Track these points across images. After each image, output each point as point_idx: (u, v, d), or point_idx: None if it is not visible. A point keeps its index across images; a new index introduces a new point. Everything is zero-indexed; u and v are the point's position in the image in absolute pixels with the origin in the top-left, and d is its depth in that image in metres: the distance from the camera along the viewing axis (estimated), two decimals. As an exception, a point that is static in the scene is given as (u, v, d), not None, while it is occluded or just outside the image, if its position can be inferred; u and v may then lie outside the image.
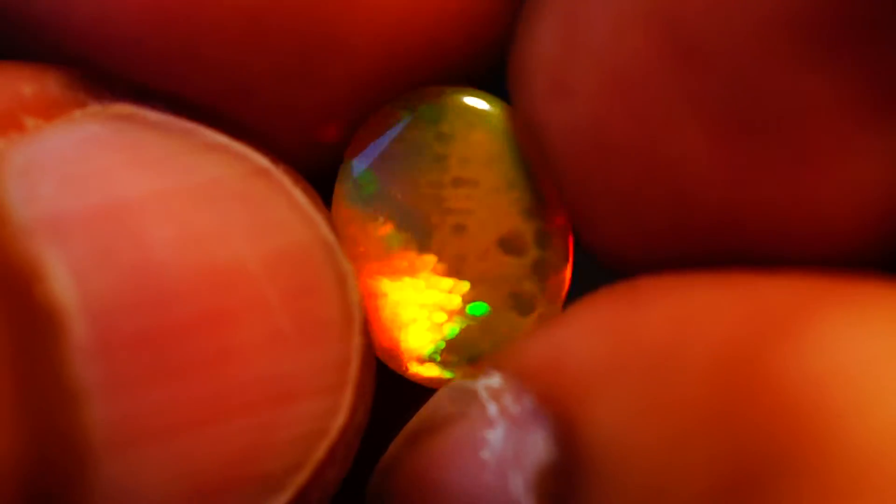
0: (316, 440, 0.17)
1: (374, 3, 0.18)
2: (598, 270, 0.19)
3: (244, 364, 0.16)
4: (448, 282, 0.18)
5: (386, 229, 0.18)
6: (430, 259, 0.18)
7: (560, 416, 0.16)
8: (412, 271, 0.18)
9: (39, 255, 0.16)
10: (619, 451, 0.16)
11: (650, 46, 0.16)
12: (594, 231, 0.18)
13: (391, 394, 0.20)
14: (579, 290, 0.19)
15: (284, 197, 0.17)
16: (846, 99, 0.16)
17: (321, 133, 0.19)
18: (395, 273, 0.18)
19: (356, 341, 0.17)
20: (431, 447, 0.18)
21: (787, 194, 0.16)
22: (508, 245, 0.18)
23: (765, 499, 0.15)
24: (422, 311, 0.18)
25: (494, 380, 0.17)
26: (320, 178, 0.19)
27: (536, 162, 0.19)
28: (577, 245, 0.19)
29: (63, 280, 0.16)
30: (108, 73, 0.18)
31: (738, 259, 0.17)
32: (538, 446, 0.16)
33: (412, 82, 0.19)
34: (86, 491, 0.16)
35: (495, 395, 0.17)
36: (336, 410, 0.17)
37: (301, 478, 0.17)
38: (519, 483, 0.16)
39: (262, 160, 0.17)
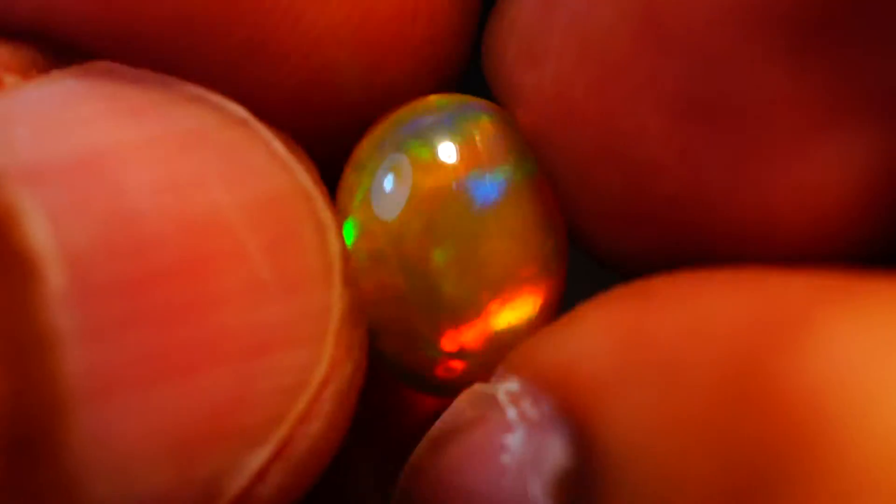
0: (296, 392, 0.17)
1: (302, 10, 0.18)
2: (591, 269, 0.19)
3: (222, 312, 0.16)
4: None
5: None
6: None
7: (576, 420, 0.16)
8: None
9: (15, 201, 0.16)
10: (633, 457, 0.16)
11: (620, 20, 0.17)
12: (562, 201, 0.19)
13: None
14: (574, 286, 0.19)
15: (263, 146, 0.17)
16: (805, 97, 0.16)
17: None
18: None
19: (337, 291, 0.17)
20: (452, 452, 0.18)
21: (741, 185, 0.16)
22: None
23: None
24: None
25: (513, 384, 0.17)
26: None
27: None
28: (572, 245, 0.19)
29: (39, 226, 0.16)
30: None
31: (693, 243, 0.17)
32: (556, 451, 0.16)
33: (343, 91, 0.19)
34: (64, 438, 0.16)
35: (514, 399, 0.17)
36: (316, 362, 0.17)
37: (282, 431, 0.17)
38: (538, 488, 0.16)
39: (240, 110, 0.17)
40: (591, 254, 0.19)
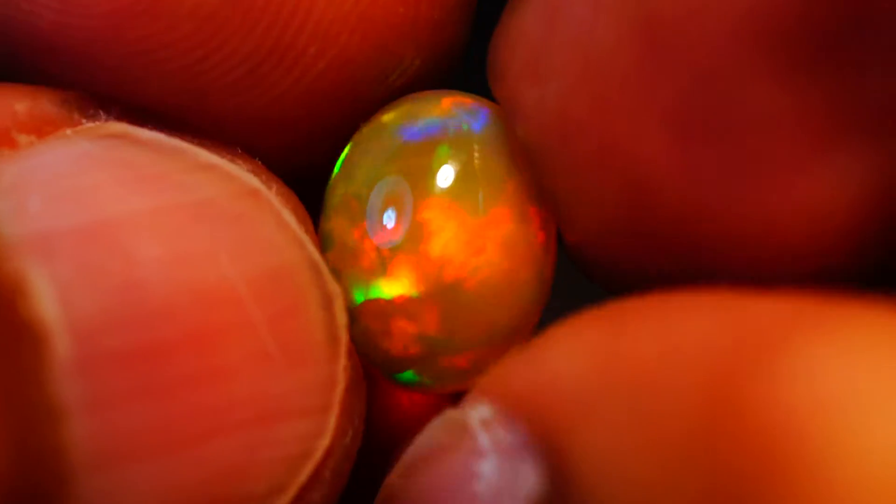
0: (300, 462, 0.17)
1: (325, 11, 0.18)
2: (576, 283, 0.19)
3: (228, 384, 0.16)
4: None
5: None
6: None
7: (550, 445, 0.16)
8: None
9: (25, 271, 0.16)
10: (606, 482, 0.16)
11: (621, 38, 0.17)
12: (559, 216, 0.19)
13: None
14: (566, 297, 0.19)
15: (273, 217, 0.17)
16: (806, 115, 0.16)
17: (271, 142, 0.19)
18: None
19: (342, 363, 0.17)
20: (425, 480, 0.17)
21: (741, 202, 0.16)
22: None
23: None
24: None
25: (485, 410, 0.17)
26: None
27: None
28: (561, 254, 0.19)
29: (48, 297, 0.16)
30: (100, 94, 0.18)
31: (691, 259, 0.17)
32: (530, 477, 0.16)
33: (363, 91, 0.19)
34: None
35: (486, 425, 0.17)
36: (321, 432, 0.17)
37: (285, 499, 0.17)
38: None
39: (252, 180, 0.17)
40: (585, 270, 0.19)
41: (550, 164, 0.18)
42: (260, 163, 0.18)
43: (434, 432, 0.18)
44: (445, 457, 0.17)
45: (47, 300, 0.16)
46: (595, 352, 0.16)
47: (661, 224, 0.17)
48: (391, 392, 0.22)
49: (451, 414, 0.18)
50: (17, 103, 0.17)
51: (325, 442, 0.17)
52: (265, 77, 0.18)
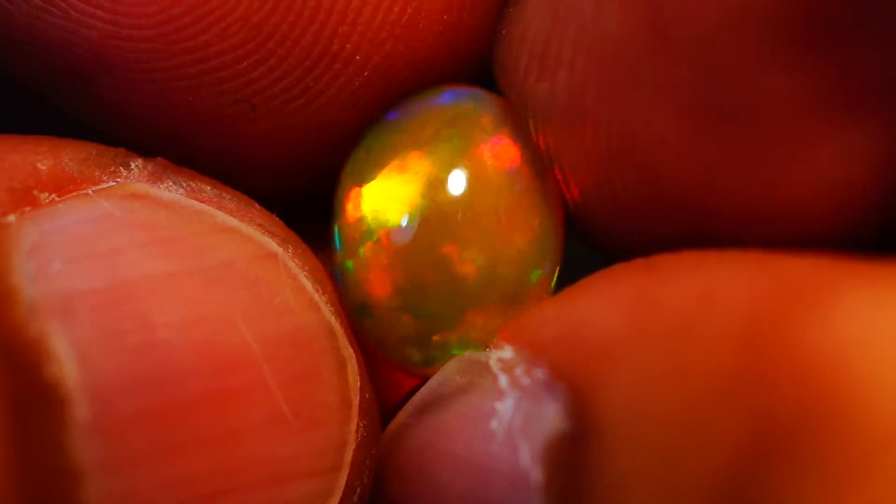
0: None
1: (372, 18, 0.18)
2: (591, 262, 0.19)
3: (243, 446, 0.17)
4: None
5: None
6: None
7: (574, 386, 0.17)
8: None
9: (45, 334, 0.16)
10: (636, 421, 0.16)
11: (629, 27, 0.17)
12: (574, 201, 0.19)
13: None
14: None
15: (289, 281, 0.18)
16: (813, 94, 0.16)
17: (316, 149, 0.20)
18: None
19: (353, 425, 0.18)
20: (439, 417, 0.18)
21: (753, 181, 0.17)
22: None
23: (789, 463, 0.15)
24: None
25: (506, 352, 0.17)
26: (317, 198, 0.20)
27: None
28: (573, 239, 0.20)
29: (67, 360, 0.16)
30: (123, 150, 0.18)
31: (708, 239, 0.17)
32: (549, 417, 0.17)
33: (401, 88, 0.19)
34: None
35: (507, 366, 0.17)
36: (331, 492, 0.17)
37: None
38: (527, 454, 0.17)
39: (269, 244, 0.18)
40: (598, 248, 0.19)
41: (565, 154, 0.18)
42: (277, 217, 0.19)
43: (450, 373, 0.18)
44: (461, 396, 0.18)
45: (67, 363, 0.16)
46: (627, 301, 0.17)
47: (677, 205, 0.17)
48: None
49: (469, 355, 0.18)
50: (39, 161, 0.18)
51: (335, 500, 0.17)
52: (313, 84, 0.19)
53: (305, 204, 0.20)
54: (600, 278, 0.18)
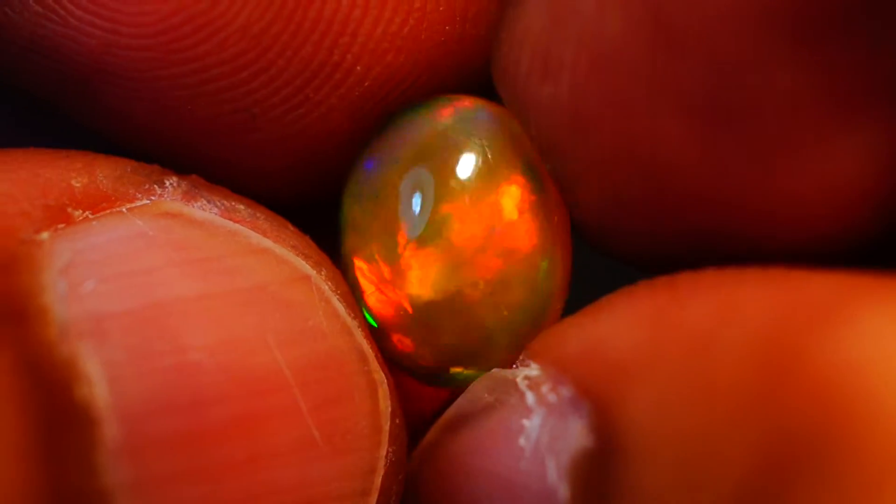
0: None
1: (373, 29, 0.18)
2: (599, 270, 0.19)
3: (272, 470, 0.17)
4: None
5: None
6: None
7: (598, 403, 0.17)
8: None
9: (76, 354, 0.16)
10: (658, 436, 0.16)
11: (631, 28, 0.17)
12: (578, 207, 0.19)
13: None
14: (581, 289, 0.19)
15: (322, 304, 0.17)
16: (821, 93, 0.16)
17: (317, 159, 0.20)
18: None
19: (383, 451, 0.17)
20: (469, 434, 0.18)
21: (759, 182, 0.17)
22: None
23: (806, 479, 0.15)
24: None
25: (532, 370, 0.17)
26: (319, 207, 0.20)
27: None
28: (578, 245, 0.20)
29: (98, 381, 0.16)
30: (157, 168, 0.18)
31: (715, 239, 0.17)
32: (575, 434, 0.17)
33: (402, 99, 0.19)
34: None
35: (533, 384, 0.17)
36: None
37: None
38: (555, 470, 0.17)
39: (303, 266, 0.18)
40: (614, 257, 0.19)
41: (566, 158, 0.18)
42: (310, 239, 0.19)
43: (478, 391, 0.18)
44: (490, 414, 0.18)
45: (97, 384, 0.16)
46: (648, 318, 0.17)
47: (685, 207, 0.17)
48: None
49: (497, 373, 0.18)
50: (73, 178, 0.18)
51: None
52: (313, 94, 0.19)
53: (302, 212, 0.20)
54: (622, 296, 0.18)
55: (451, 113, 0.19)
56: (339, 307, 0.18)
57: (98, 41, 0.18)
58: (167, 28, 0.18)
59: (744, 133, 0.16)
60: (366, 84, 0.19)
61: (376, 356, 0.18)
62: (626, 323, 0.17)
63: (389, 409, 0.18)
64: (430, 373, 0.19)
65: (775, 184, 0.17)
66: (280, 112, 0.19)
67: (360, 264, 0.19)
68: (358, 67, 0.19)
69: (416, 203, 0.18)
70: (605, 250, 0.19)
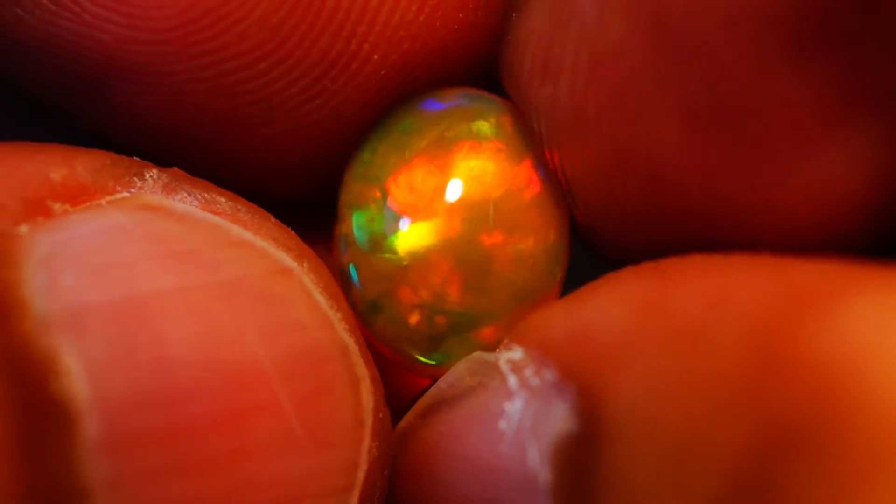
0: None
1: (390, 17, 0.18)
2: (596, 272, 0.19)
3: (254, 464, 0.16)
4: None
5: None
6: None
7: (583, 388, 0.16)
8: None
9: (55, 347, 0.16)
10: (645, 422, 0.16)
11: (630, 32, 0.17)
12: (577, 207, 0.19)
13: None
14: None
15: (304, 297, 0.17)
16: (815, 100, 0.16)
17: (332, 149, 0.20)
18: None
19: (366, 446, 0.17)
20: (447, 418, 0.18)
21: (756, 185, 0.17)
22: None
23: (797, 466, 0.15)
24: None
25: (516, 353, 0.17)
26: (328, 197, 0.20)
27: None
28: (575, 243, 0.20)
29: (77, 375, 0.16)
30: (137, 160, 0.18)
31: (711, 243, 0.17)
32: (558, 418, 0.17)
33: (415, 87, 0.19)
34: None
35: (516, 367, 0.17)
36: None
37: None
38: (536, 454, 0.17)
39: (284, 259, 0.17)
40: (600, 251, 0.19)
41: (568, 159, 0.18)
42: (293, 231, 0.19)
43: (459, 373, 0.18)
44: (471, 397, 0.17)
45: (77, 378, 0.16)
46: (635, 302, 0.17)
47: (680, 210, 0.17)
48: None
49: (479, 356, 0.18)
50: (52, 171, 0.17)
51: None
52: (330, 84, 0.19)
53: (313, 206, 0.20)
54: (610, 280, 0.18)
55: (464, 93, 0.19)
56: (322, 300, 0.17)
57: (114, 38, 0.18)
58: (184, 22, 0.18)
59: (739, 137, 0.16)
60: (382, 73, 0.19)
61: (360, 350, 0.18)
62: (613, 307, 0.17)
63: (373, 403, 0.18)
64: (428, 344, 0.19)
65: (769, 188, 0.17)
66: (297, 103, 0.19)
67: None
68: (375, 56, 0.19)
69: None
70: (601, 251, 0.19)
